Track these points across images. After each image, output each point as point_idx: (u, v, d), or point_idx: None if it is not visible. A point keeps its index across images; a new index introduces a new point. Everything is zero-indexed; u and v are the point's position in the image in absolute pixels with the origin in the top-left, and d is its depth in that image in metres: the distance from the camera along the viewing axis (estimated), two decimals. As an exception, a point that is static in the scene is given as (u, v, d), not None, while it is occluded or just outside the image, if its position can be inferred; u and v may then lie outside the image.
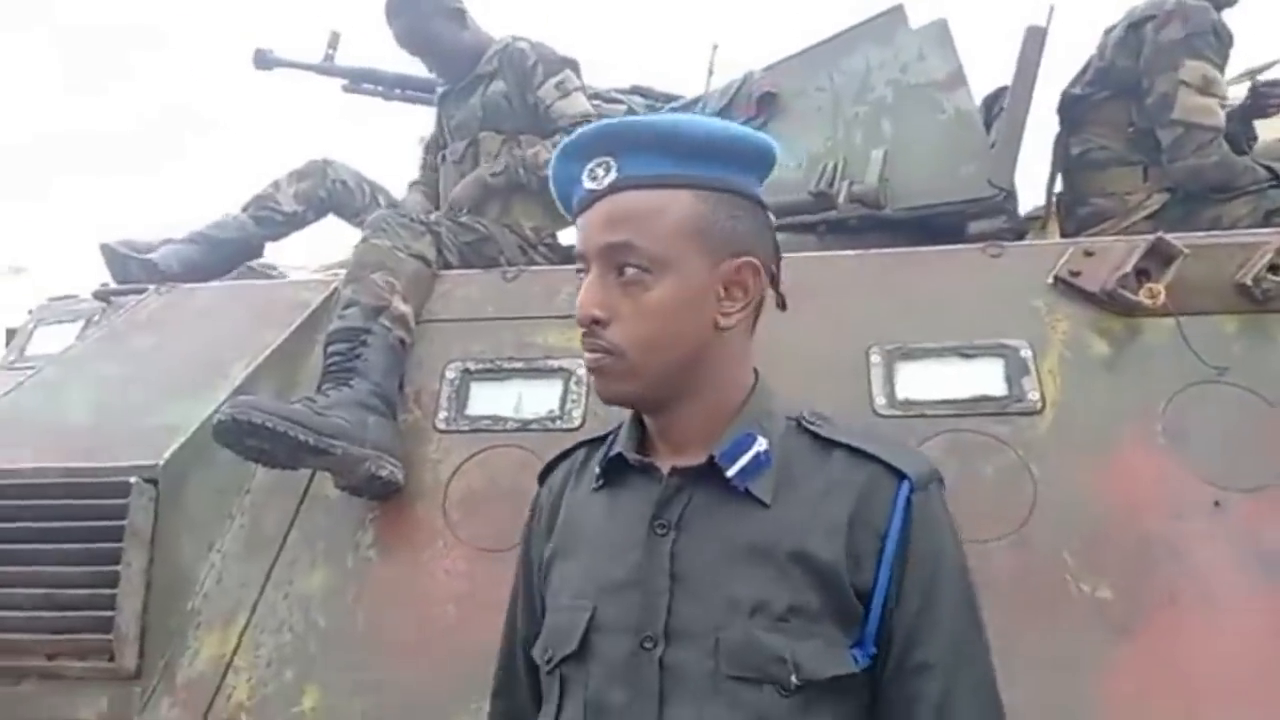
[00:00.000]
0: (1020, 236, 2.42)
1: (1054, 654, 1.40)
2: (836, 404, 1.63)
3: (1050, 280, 1.76)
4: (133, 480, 1.65)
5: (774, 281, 0.97)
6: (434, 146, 2.89)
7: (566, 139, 0.94)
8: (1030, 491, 1.54)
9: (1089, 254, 1.77)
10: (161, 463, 1.68)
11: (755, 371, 0.97)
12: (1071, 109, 2.53)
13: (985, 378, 1.67)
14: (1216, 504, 1.48)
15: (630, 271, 0.88)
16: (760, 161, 0.95)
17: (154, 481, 1.67)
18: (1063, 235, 2.52)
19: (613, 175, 0.90)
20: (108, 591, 1.61)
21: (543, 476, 1.09)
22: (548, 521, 1.03)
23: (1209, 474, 1.51)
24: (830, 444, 0.92)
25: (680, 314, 0.89)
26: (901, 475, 0.88)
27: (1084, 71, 2.53)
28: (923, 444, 1.60)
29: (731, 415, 0.92)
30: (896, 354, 1.72)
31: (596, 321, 0.88)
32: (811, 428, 0.93)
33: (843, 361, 1.73)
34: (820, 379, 1.70)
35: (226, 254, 2.59)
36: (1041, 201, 2.70)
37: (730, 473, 0.88)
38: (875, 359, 1.72)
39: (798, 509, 0.88)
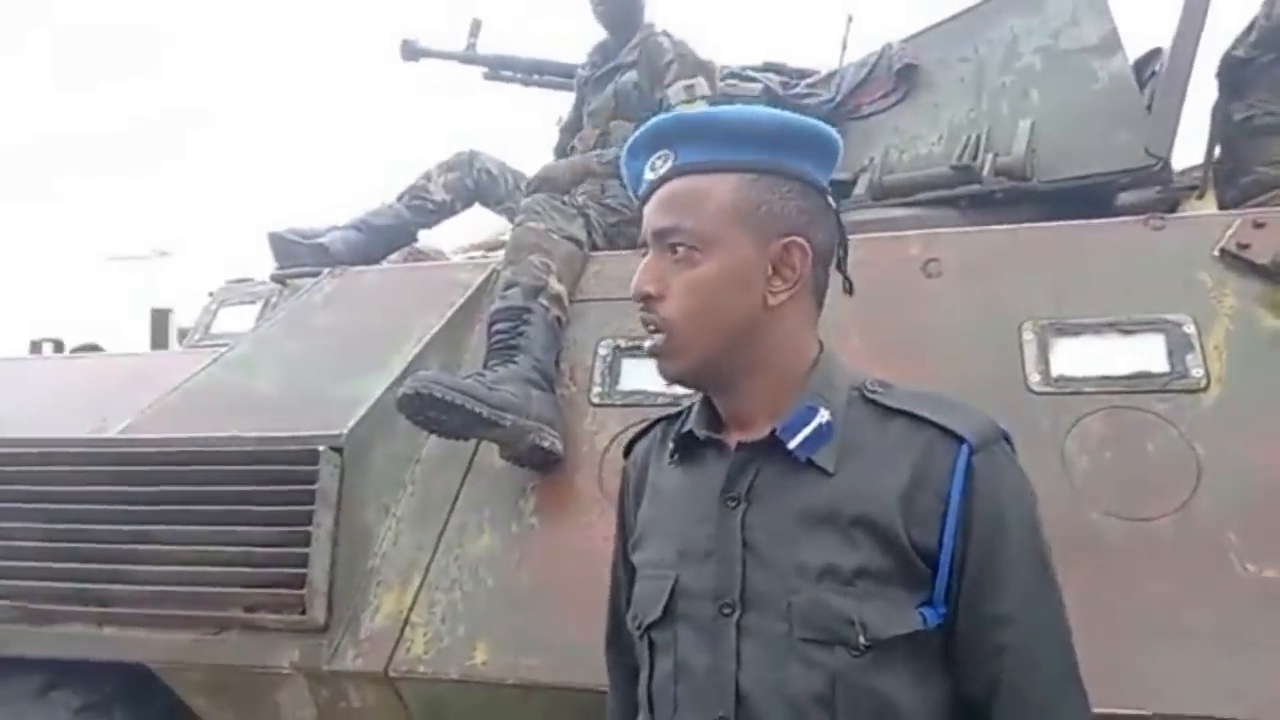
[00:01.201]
0: (1174, 208, 2.34)
1: (1218, 630, 1.39)
2: (987, 382, 1.65)
3: (1216, 253, 1.71)
4: (321, 449, 1.80)
5: (838, 264, 1.02)
6: (570, 130, 2.98)
7: (631, 137, 1.02)
8: (1194, 470, 1.52)
9: (1259, 225, 1.71)
10: (346, 432, 1.82)
11: (821, 344, 1.00)
12: (1233, 73, 2.40)
13: (1146, 354, 1.65)
14: (1398, 484, 1.42)
15: (680, 250, 0.94)
16: (813, 145, 0.98)
17: (339, 450, 1.81)
18: (1221, 206, 2.41)
19: (669, 165, 0.96)
20: (300, 550, 1.77)
21: (627, 451, 1.16)
22: (635, 494, 1.10)
23: (1390, 453, 1.45)
24: (891, 411, 0.94)
25: (726, 290, 0.94)
26: (960, 438, 0.90)
27: (1248, 32, 2.39)
28: (1079, 421, 1.60)
29: (795, 389, 0.96)
30: (1050, 330, 1.71)
31: (649, 297, 0.95)
32: (873, 396, 0.96)
33: (994, 339, 1.73)
34: (970, 356, 1.71)
35: (385, 239, 2.77)
36: (1190, 166, 2.59)
37: (792, 445, 0.92)
38: (1028, 335, 1.71)
39: (860, 476, 0.91)
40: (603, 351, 1.98)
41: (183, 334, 3.34)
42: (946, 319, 1.78)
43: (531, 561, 1.76)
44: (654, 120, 1.00)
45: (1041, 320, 1.72)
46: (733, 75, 2.98)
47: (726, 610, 0.91)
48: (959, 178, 2.35)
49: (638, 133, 1.01)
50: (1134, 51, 2.54)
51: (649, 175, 0.98)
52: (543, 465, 1.84)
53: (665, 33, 2.71)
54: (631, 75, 2.67)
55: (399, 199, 2.83)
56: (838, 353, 1.01)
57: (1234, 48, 2.40)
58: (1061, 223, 1.91)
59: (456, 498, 1.87)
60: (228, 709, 1.94)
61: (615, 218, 2.47)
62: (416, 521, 1.87)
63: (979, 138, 2.40)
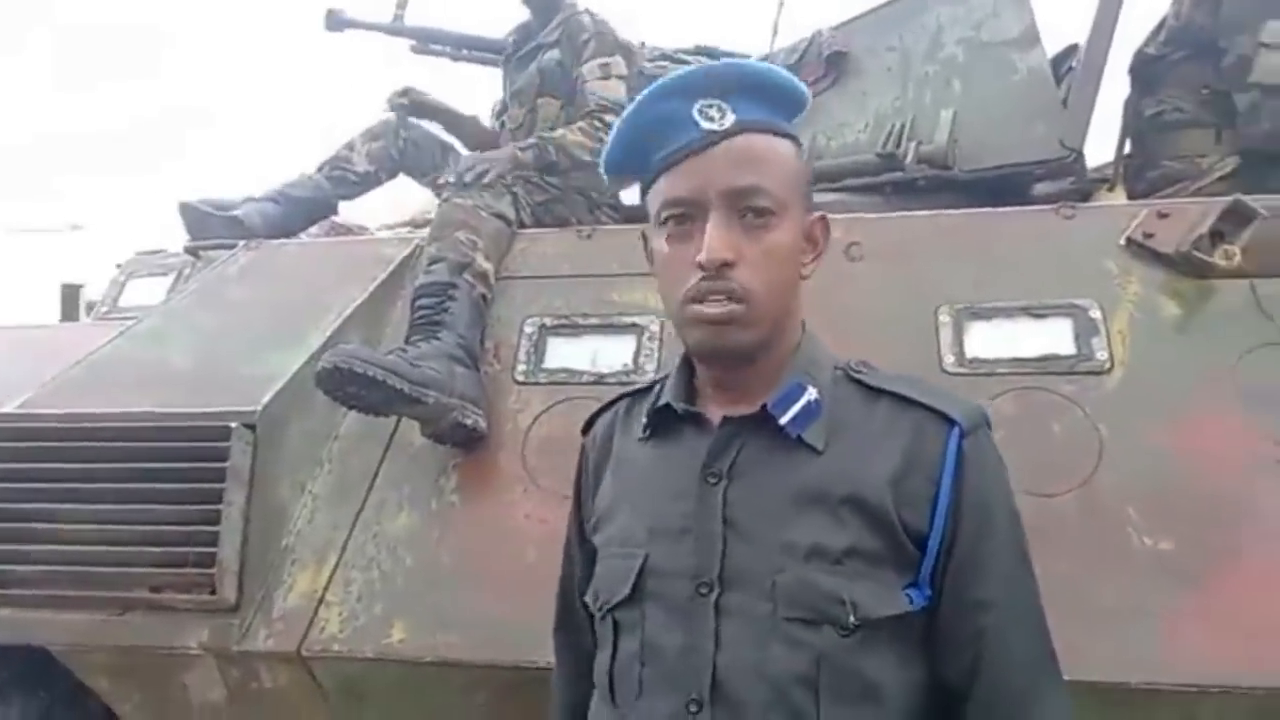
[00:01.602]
0: (1086, 198, 2.41)
1: (1118, 601, 1.44)
2: (904, 363, 1.67)
3: (1123, 242, 1.78)
4: (233, 425, 1.74)
5: None
6: (500, 112, 2.93)
7: (667, 78, 0.92)
8: (1096, 449, 1.57)
9: (1163, 216, 1.77)
10: (259, 409, 1.77)
11: (803, 323, 0.99)
12: (1144, 70, 2.49)
13: (1054, 337, 1.70)
14: (1282, 462, 1.50)
15: (756, 215, 0.88)
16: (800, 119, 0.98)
17: (252, 426, 1.76)
18: (1130, 198, 2.50)
19: (731, 118, 0.88)
20: (210, 529, 1.71)
21: (586, 429, 1.12)
22: (595, 473, 1.06)
23: (1277, 433, 1.52)
24: (878, 392, 0.94)
25: (793, 259, 0.92)
26: (951, 421, 0.90)
27: (1158, 31, 2.48)
28: (991, 402, 1.64)
29: (784, 365, 0.94)
30: (965, 313, 1.75)
31: (728, 264, 0.87)
32: (859, 376, 0.95)
33: (911, 321, 1.76)
34: (888, 338, 1.74)
35: (303, 212, 2.66)
36: (1103, 163, 2.68)
37: (784, 421, 0.90)
38: (944, 318, 1.75)
39: (850, 455, 0.90)
40: (528, 329, 1.96)
41: (90, 308, 3.22)
42: (866, 301, 1.81)
43: (451, 540, 1.74)
44: (707, 65, 0.92)
45: (957, 304, 1.76)
46: (664, 57, 2.98)
47: (704, 590, 0.88)
48: (883, 165, 2.39)
49: (683, 73, 0.91)
50: (1052, 47, 2.62)
51: (706, 124, 0.88)
52: (465, 443, 1.82)
53: (587, 11, 2.69)
54: (554, 54, 2.64)
55: (319, 169, 2.71)
56: (823, 335, 1.01)
57: (1145, 45, 2.49)
58: (978, 210, 1.96)
59: (375, 475, 1.84)
60: (134, 691, 1.88)
61: (543, 196, 2.44)
62: (333, 499, 1.83)
63: (903, 126, 2.45)
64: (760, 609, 0.87)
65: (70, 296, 3.69)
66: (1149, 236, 1.74)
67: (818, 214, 0.96)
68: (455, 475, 1.82)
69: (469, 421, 1.78)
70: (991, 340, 1.72)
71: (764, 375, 0.94)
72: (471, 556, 1.72)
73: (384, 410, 1.74)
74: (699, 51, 3.20)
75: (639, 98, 0.92)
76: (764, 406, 0.91)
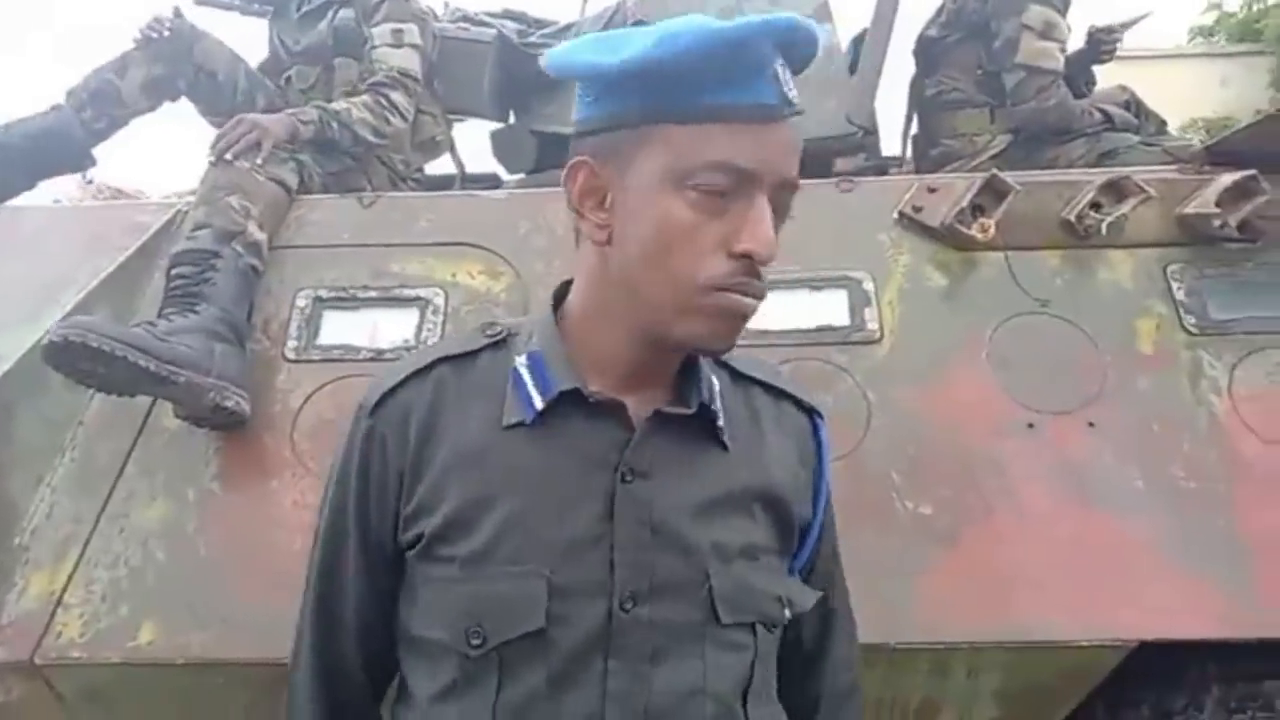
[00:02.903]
0: (882, 174, 2.49)
1: (881, 562, 1.49)
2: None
3: (895, 215, 1.83)
4: (-51, 411, 1.55)
5: None
6: (273, 71, 2.69)
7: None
8: (864, 416, 1.62)
9: (932, 190, 1.84)
10: (-19, 392, 1.58)
11: None
12: (926, 51, 2.60)
13: (830, 309, 1.74)
14: (1030, 426, 1.58)
15: (780, 214, 0.76)
16: None
17: (-27, 412, 1.57)
18: (917, 175, 2.61)
19: (795, 93, 0.74)
20: (-76, 528, 1.53)
21: (376, 408, 0.84)
22: (412, 459, 0.82)
23: (1026, 398, 1.61)
24: (746, 379, 0.91)
25: None
26: (812, 410, 0.92)
27: (938, 13, 2.59)
28: (768, 372, 1.66)
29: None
30: (747, 285, 1.76)
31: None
32: (729, 362, 0.90)
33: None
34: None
35: (41, 159, 2.25)
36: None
37: (720, 420, 0.84)
38: (726, 289, 1.76)
39: (751, 449, 0.86)
40: (301, 303, 1.83)
41: None
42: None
43: (210, 530, 1.61)
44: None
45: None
46: (466, 19, 2.87)
47: (628, 605, 0.77)
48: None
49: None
50: (852, 29, 2.69)
51: (787, 91, 0.73)
52: (226, 426, 1.68)
53: None
54: (348, 12, 2.48)
55: (72, 101, 2.26)
56: None
57: (927, 27, 2.59)
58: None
59: (125, 463, 1.68)
60: None
61: (337, 166, 2.28)
62: (75, 491, 1.66)
63: (701, 98, 2.44)
64: (695, 615, 0.79)
65: None
66: (918, 210, 1.80)
67: None
68: (216, 461, 1.68)
69: (229, 404, 1.64)
70: (772, 312, 1.73)
71: (675, 364, 0.85)
72: (232, 547, 1.60)
73: (127, 390, 1.58)
74: (506, 15, 3.10)
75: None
76: (703, 405, 0.83)
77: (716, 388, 0.85)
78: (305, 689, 0.90)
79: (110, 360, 1.50)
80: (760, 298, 0.76)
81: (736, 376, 0.90)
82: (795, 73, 0.75)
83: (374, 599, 0.86)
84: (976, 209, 1.73)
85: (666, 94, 0.72)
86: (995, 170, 1.76)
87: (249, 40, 2.75)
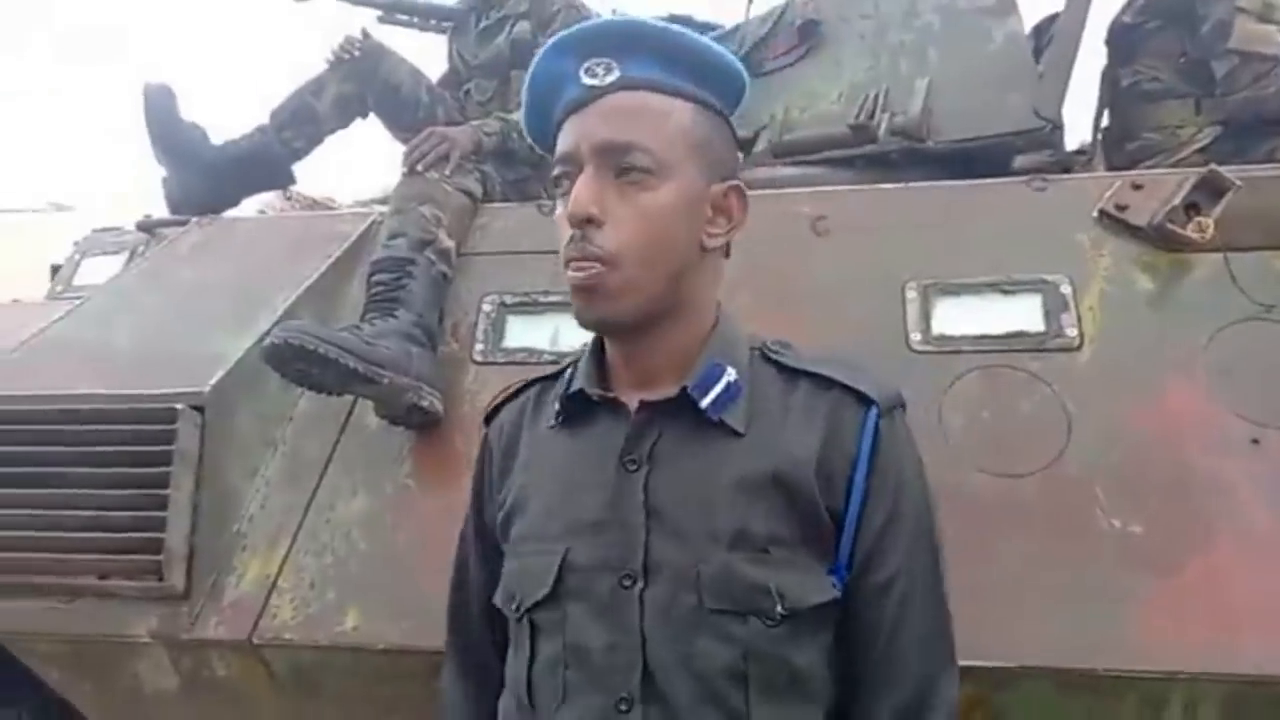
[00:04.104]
0: (1066, 171, 2.36)
1: (1082, 584, 1.41)
2: (870, 339, 1.64)
3: (1095, 214, 1.73)
4: (179, 407, 1.69)
5: None
6: (452, 84, 2.80)
7: (561, 34, 0.90)
8: (1064, 428, 1.53)
9: (1137, 187, 1.72)
10: (207, 390, 1.72)
11: (718, 302, 0.96)
12: (1121, 39, 2.44)
13: (1023, 313, 1.65)
14: (1255, 441, 1.46)
15: (631, 172, 0.84)
16: (736, 92, 0.94)
17: (200, 409, 1.70)
18: (1109, 171, 2.45)
19: (615, 74, 0.86)
20: (157, 514, 1.66)
21: (489, 418, 1.07)
22: (500, 466, 1.01)
23: (1249, 411, 1.48)
24: (795, 372, 0.92)
25: (676, 223, 0.87)
26: (869, 400, 0.89)
27: (1133, -1, 2.43)
28: (956, 380, 1.60)
29: (699, 346, 0.91)
30: (934, 289, 1.70)
31: (590, 220, 0.84)
32: (775, 356, 0.93)
33: (878, 296, 1.71)
34: (855, 313, 1.69)
35: (250, 177, 2.45)
36: (1088, 137, 2.63)
37: (704, 403, 0.88)
38: (911, 294, 1.70)
39: (770, 437, 0.88)
40: (487, 308, 1.91)
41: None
42: (833, 276, 1.76)
43: (406, 524, 1.70)
44: (598, 21, 0.90)
45: (924, 279, 1.71)
46: (636, 26, 2.90)
47: (627, 582, 0.85)
48: (856, 137, 2.33)
49: (574, 30, 0.89)
50: (1034, 16, 2.56)
51: (588, 80, 0.86)
52: (421, 425, 1.77)
53: None
54: (525, 24, 2.56)
55: (275, 123, 2.42)
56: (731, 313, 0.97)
57: (1121, 14, 2.44)
58: (947, 183, 1.90)
59: (330, 458, 1.79)
60: (85, 680, 1.83)
61: (515, 175, 2.37)
62: (286, 483, 1.78)
63: (877, 96, 2.38)
64: (686, 601, 0.84)
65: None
66: (1122, 209, 1.69)
67: (732, 184, 0.91)
68: (411, 458, 1.77)
69: (425, 403, 1.72)
70: (959, 317, 1.68)
71: (674, 357, 0.91)
72: (426, 541, 1.67)
73: (336, 389, 1.68)
74: (674, 20, 3.12)
75: (535, 56, 0.91)
76: (684, 389, 0.88)
77: (730, 376, 0.89)
78: (449, 673, 1.11)
79: (324, 362, 1.60)
80: (586, 260, 0.83)
81: (788, 370, 0.92)
82: (684, 57, 0.88)
83: (491, 584, 0.99)
84: (1191, 207, 1.60)
85: (545, 129, 0.92)
86: (1213, 166, 1.63)
87: (425, 56, 2.88)
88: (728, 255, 0.97)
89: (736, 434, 0.88)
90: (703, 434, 0.88)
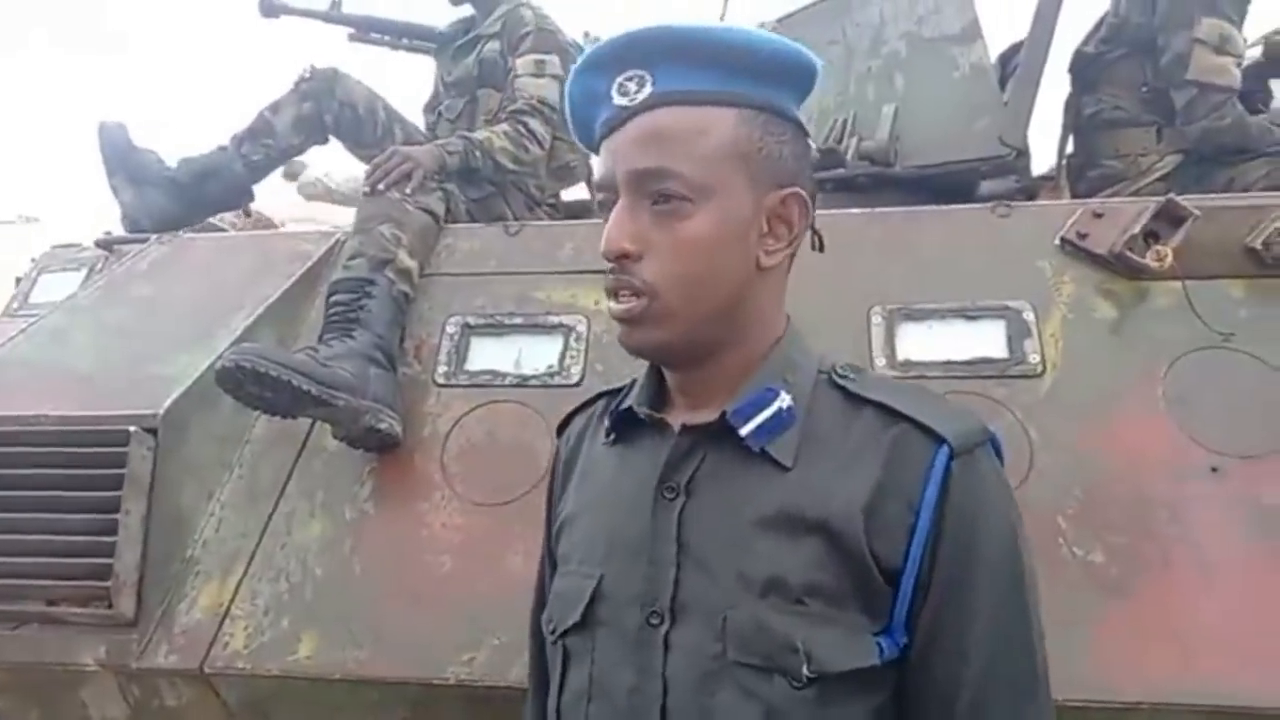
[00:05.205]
0: (1032, 197, 2.39)
1: (1047, 612, 1.39)
2: (836, 364, 1.63)
3: (1057, 241, 1.74)
4: (132, 429, 1.65)
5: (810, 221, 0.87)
6: (432, 105, 2.83)
7: (592, 48, 0.82)
8: (1027, 454, 1.53)
9: (1098, 215, 1.74)
10: (161, 412, 1.68)
11: (787, 318, 0.88)
12: (1084, 68, 2.47)
13: (987, 340, 1.66)
14: (1214, 469, 1.46)
15: (667, 201, 0.77)
16: (805, 80, 0.83)
17: (153, 431, 1.67)
18: (1073, 198, 2.48)
19: (647, 90, 0.78)
20: (107, 539, 1.62)
21: (561, 429, 1.01)
22: (563, 477, 0.96)
23: (1208, 439, 1.49)
24: (861, 400, 0.81)
25: (722, 249, 0.78)
26: (940, 439, 0.76)
27: (1097, 28, 2.47)
28: (921, 405, 1.59)
29: (751, 368, 0.83)
30: (898, 314, 1.71)
31: (626, 255, 0.78)
32: (842, 382, 0.83)
33: (844, 321, 1.71)
34: (820, 338, 1.65)
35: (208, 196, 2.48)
36: (1054, 164, 2.66)
37: (744, 431, 0.79)
38: (876, 319, 1.71)
39: (821, 474, 0.78)
40: (450, 329, 1.88)
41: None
42: (798, 300, 1.73)
43: (364, 550, 1.66)
44: (632, 31, 0.79)
45: (890, 304, 1.71)
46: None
47: (654, 620, 0.77)
48: (824, 161, 2.34)
49: (602, 44, 0.81)
50: (999, 45, 2.60)
51: (619, 100, 0.79)
52: (379, 448, 1.74)
53: (529, 4, 2.61)
54: (495, 44, 2.56)
55: (236, 146, 2.47)
56: (802, 330, 0.88)
57: (1085, 43, 2.47)
58: (913, 208, 1.91)
59: (287, 482, 1.75)
60: (31, 708, 1.77)
61: (479, 193, 2.36)
62: (242, 507, 1.74)
63: (845, 122, 2.41)
64: (710, 648, 0.75)
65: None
66: (1083, 236, 1.71)
67: (789, 191, 0.81)
68: (370, 481, 1.74)
69: (383, 426, 1.70)
70: (924, 342, 1.68)
71: (729, 378, 0.82)
72: (385, 567, 1.64)
73: (291, 412, 1.65)
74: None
75: (570, 75, 0.84)
76: (723, 414, 0.80)
77: (783, 402, 0.80)
78: (529, 710, 1.02)
79: (276, 385, 1.57)
80: (625, 292, 0.79)
81: (852, 398, 0.82)
82: (726, 56, 0.79)
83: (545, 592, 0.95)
84: (1150, 235, 1.62)
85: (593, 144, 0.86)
86: (1172, 195, 1.65)
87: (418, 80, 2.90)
88: (820, 249, 0.91)
89: (782, 467, 0.78)
90: (745, 464, 0.79)
